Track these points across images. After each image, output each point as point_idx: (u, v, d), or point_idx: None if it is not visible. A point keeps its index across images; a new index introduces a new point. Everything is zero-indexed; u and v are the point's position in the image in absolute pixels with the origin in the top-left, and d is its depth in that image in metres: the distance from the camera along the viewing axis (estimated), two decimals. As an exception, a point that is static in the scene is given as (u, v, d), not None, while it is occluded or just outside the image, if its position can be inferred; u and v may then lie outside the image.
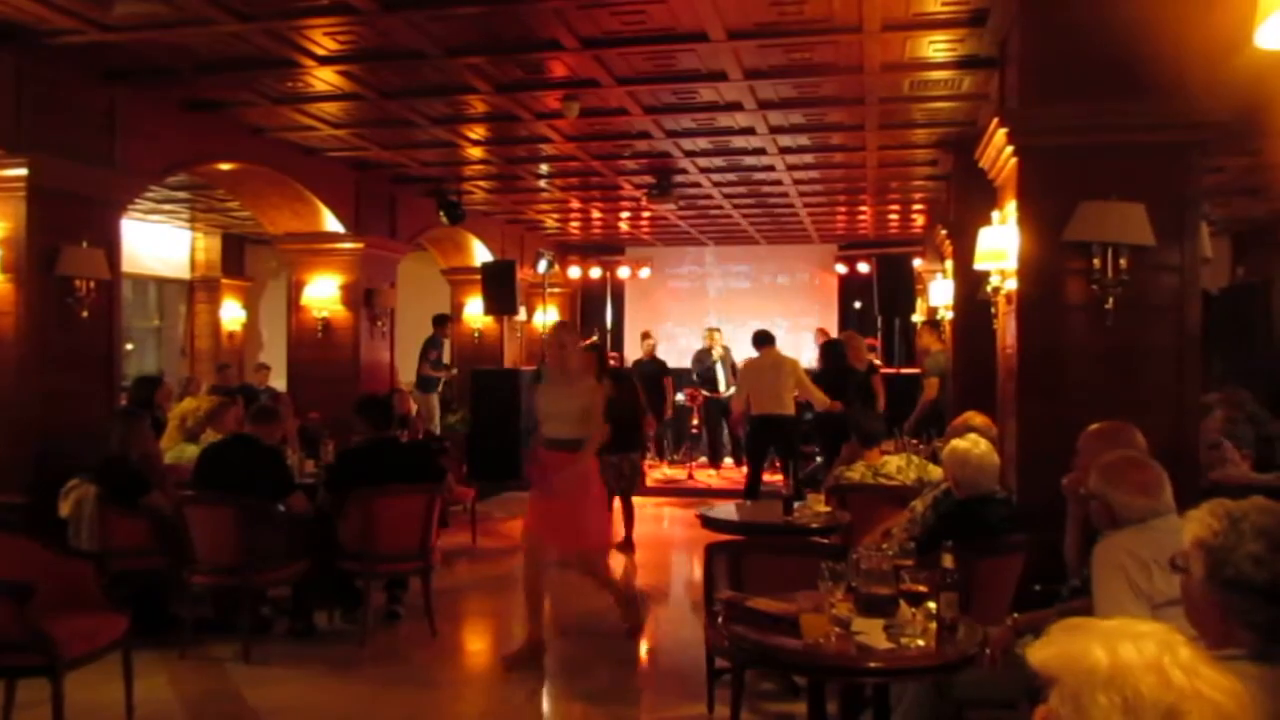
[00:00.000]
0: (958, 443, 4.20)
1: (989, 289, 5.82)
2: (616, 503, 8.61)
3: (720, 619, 3.47)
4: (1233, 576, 1.89)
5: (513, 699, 5.22)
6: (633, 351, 15.75)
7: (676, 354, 14.46)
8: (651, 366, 13.05)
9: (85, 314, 6.48)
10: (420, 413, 11.57)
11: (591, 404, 5.58)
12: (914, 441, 7.97)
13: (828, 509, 5.64)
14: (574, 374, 5.69)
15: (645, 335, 13.96)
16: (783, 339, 11.53)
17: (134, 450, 5.95)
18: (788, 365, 9.38)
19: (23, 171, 6.12)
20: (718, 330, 13.36)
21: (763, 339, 9.69)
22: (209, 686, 5.18)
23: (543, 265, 12.96)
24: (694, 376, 13.08)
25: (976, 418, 5.10)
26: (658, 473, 12.80)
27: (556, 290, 15.40)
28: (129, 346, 13.22)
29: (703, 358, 13.06)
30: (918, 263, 13.83)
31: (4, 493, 6.03)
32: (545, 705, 5.22)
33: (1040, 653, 1.34)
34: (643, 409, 9.25)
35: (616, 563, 7.34)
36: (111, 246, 6.78)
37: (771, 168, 9.86)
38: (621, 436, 8.61)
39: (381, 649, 5.83)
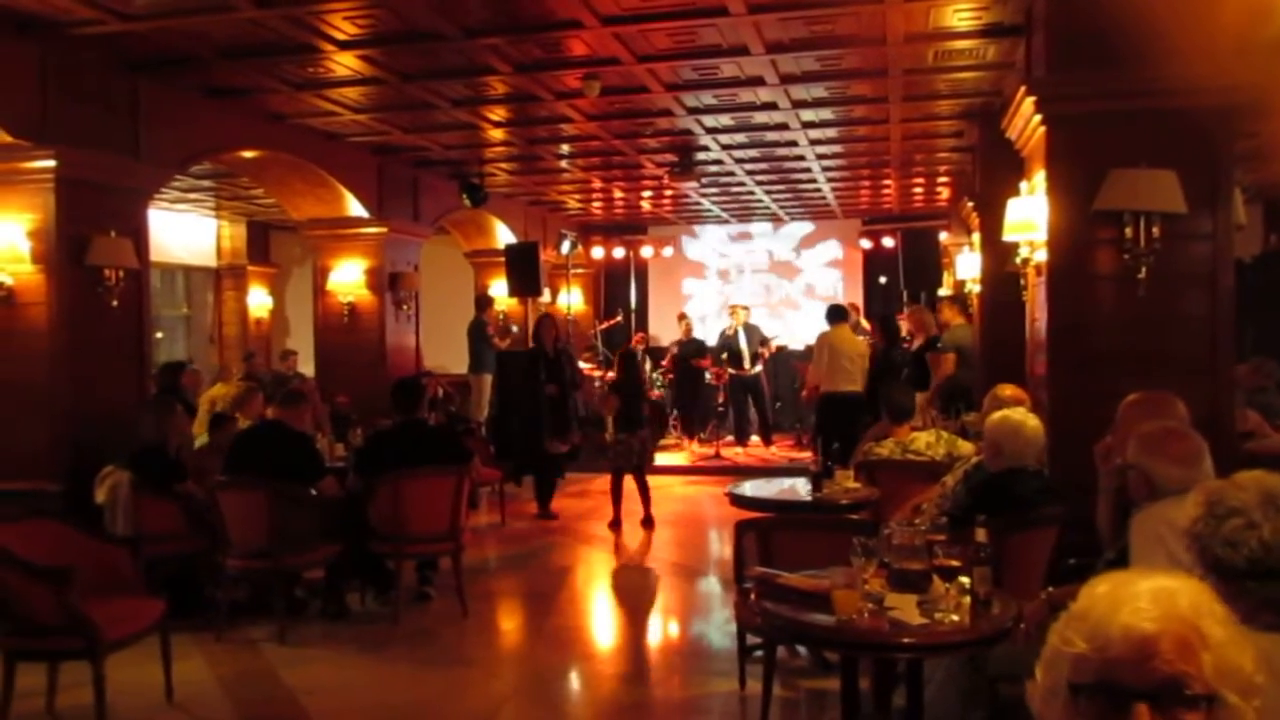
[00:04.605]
0: (1010, 413, 4.13)
1: (1018, 261, 5.75)
2: (630, 482, 8.68)
3: (752, 595, 3.47)
4: (1212, 564, 1.87)
5: (544, 676, 5.26)
6: (659, 331, 15.80)
7: (701, 333, 14.44)
8: (693, 346, 13.17)
9: (115, 303, 6.54)
10: (472, 394, 11.66)
11: None
12: (941, 417, 7.92)
13: (857, 485, 5.61)
14: None
15: (681, 316, 14.03)
16: (810, 314, 11.52)
17: (171, 437, 6.03)
18: (860, 344, 9.52)
19: (50, 163, 6.17)
20: (743, 308, 13.34)
21: (839, 314, 9.76)
22: (245, 667, 5.25)
23: (566, 246, 12.96)
24: (721, 355, 13.06)
25: (1006, 389, 5.04)
26: (683, 452, 12.82)
27: (580, 271, 15.40)
28: (158, 335, 13.35)
29: (727, 335, 13.05)
30: (943, 236, 13.71)
31: (40, 480, 6.12)
32: (576, 684, 5.26)
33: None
34: (646, 387, 9.31)
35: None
36: (139, 236, 6.83)
37: (794, 143, 9.78)
38: (628, 415, 8.67)
39: (414, 629, 5.89)
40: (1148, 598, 1.24)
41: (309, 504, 5.81)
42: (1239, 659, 1.23)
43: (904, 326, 10.95)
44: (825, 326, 9.91)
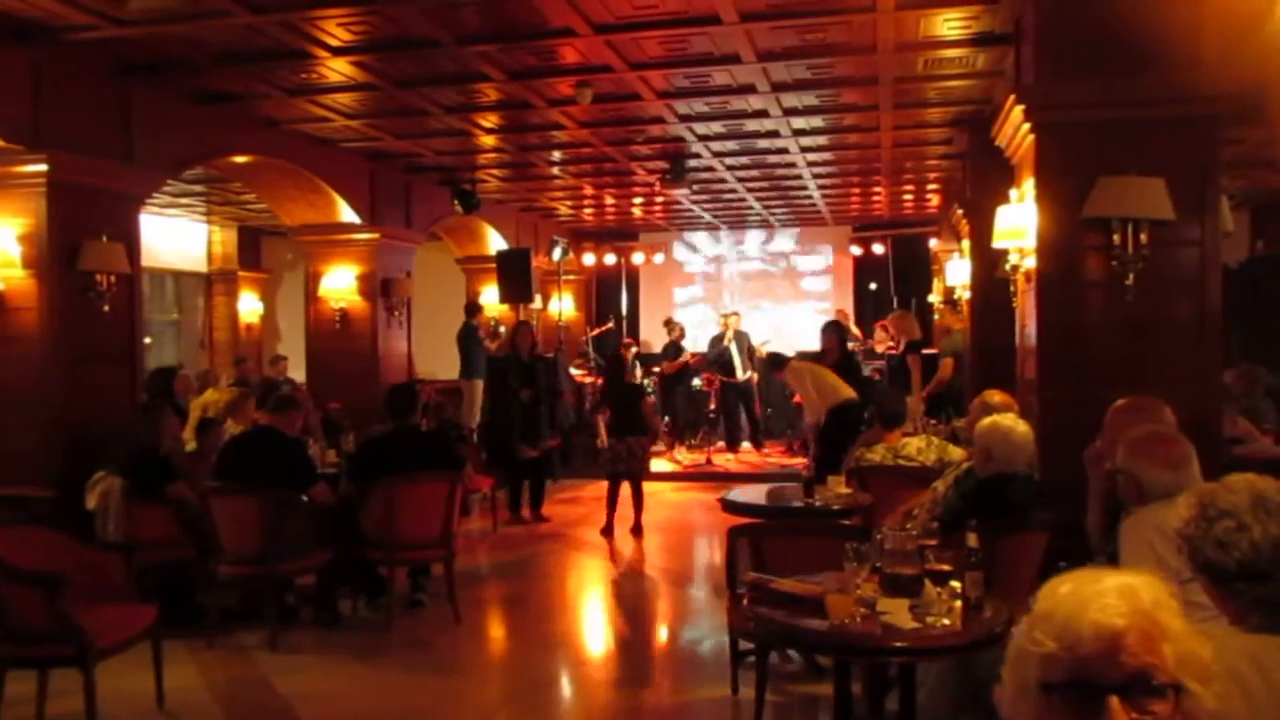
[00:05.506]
0: (1000, 418, 4.17)
1: (1007, 267, 5.79)
2: (625, 489, 8.69)
3: (745, 601, 3.48)
4: (1203, 565, 1.89)
5: (537, 683, 5.26)
6: (650, 337, 15.80)
7: (691, 339, 14.46)
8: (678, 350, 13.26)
9: (106, 308, 6.53)
10: (464, 400, 11.65)
11: None
12: (933, 422, 7.97)
13: (848, 491, 5.64)
14: None
15: (668, 321, 14.00)
16: (801, 320, 11.56)
17: (164, 442, 6.02)
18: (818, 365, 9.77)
19: (42, 168, 6.17)
20: (734, 315, 13.36)
21: (781, 360, 10.09)
22: (237, 675, 5.23)
23: (557, 252, 12.97)
24: (709, 362, 13.08)
25: (995, 395, 5.08)
26: (673, 458, 12.83)
27: (571, 277, 15.39)
28: (148, 340, 13.30)
29: (717, 343, 13.08)
30: (933, 243, 13.76)
31: (31, 486, 6.10)
32: (569, 690, 5.26)
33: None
34: (641, 393, 9.37)
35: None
36: (131, 241, 6.82)
37: (785, 150, 9.82)
38: (622, 420, 8.70)
39: (406, 635, 5.88)
40: (1114, 594, 1.29)
41: (301, 510, 5.79)
42: (1197, 648, 1.29)
43: (888, 330, 11.06)
44: (801, 356, 10.24)
